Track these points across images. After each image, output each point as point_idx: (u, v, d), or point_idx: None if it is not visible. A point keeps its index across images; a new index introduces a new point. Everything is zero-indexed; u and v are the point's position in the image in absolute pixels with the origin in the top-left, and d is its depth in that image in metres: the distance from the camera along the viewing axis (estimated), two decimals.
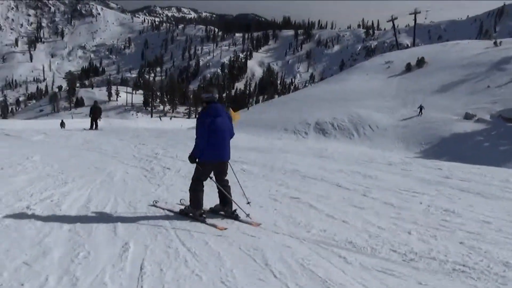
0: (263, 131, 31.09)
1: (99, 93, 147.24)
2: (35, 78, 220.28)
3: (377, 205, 6.11)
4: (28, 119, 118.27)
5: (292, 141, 27.65)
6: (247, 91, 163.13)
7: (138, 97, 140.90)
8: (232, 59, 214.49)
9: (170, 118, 77.43)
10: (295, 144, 23.70)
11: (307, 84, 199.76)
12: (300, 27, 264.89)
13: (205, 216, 5.00)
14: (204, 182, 5.09)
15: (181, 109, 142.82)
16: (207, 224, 4.86)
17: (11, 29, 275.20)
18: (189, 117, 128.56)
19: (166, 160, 9.88)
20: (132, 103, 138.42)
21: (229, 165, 5.20)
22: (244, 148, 13.81)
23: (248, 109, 51.33)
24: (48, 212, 5.26)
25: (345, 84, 45.74)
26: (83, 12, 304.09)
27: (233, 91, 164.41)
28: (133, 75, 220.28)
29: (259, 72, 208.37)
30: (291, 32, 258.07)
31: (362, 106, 34.40)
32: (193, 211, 5.01)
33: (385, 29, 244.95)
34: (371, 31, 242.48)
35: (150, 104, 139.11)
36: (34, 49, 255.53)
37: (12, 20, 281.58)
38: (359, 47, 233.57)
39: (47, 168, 8.19)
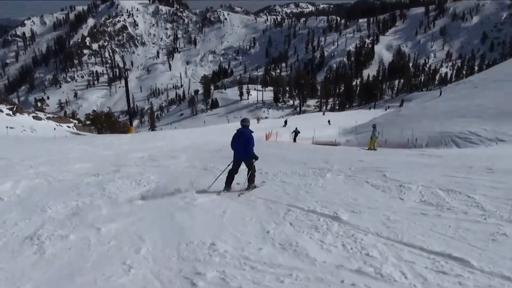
0: (490, 123, 24.77)
1: (231, 94, 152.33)
2: (174, 85, 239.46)
3: None
4: (181, 125, 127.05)
5: None
6: (380, 77, 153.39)
7: (267, 94, 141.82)
8: (358, 46, 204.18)
9: (323, 114, 72.34)
10: None
11: (443, 64, 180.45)
12: (431, 2, 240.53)
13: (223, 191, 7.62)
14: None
15: (312, 102, 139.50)
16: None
17: (153, 43, 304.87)
18: (320, 110, 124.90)
19: None
20: (262, 100, 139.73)
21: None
22: None
23: (440, 94, 44.44)
24: None
25: None
26: (212, 19, 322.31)
27: (361, 79, 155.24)
28: (260, 73, 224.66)
29: (387, 56, 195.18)
30: (420, 9, 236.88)
31: None
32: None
33: None
34: None
35: (281, 100, 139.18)
36: (172, 59, 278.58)
37: (154, 35, 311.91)
38: (504, 15, 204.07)
39: None
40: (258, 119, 61.70)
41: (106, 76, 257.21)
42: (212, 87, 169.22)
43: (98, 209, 6.17)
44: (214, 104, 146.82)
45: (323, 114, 73.43)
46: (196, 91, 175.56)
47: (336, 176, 8.57)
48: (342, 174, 8.69)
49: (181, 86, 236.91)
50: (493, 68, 53.34)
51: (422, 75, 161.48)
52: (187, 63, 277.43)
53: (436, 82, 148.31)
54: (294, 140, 30.58)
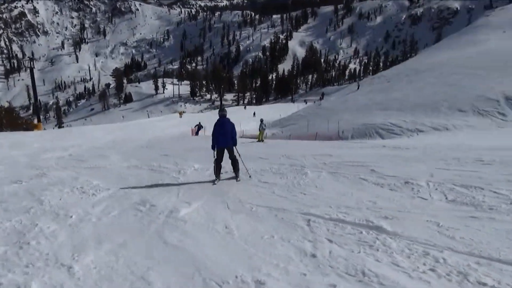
0: (421, 115, 25.75)
1: (146, 87, 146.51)
2: (82, 78, 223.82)
3: None
4: (87, 119, 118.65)
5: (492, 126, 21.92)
6: (294, 72, 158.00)
7: (183, 88, 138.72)
8: (273, 41, 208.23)
9: (245, 107, 71.82)
10: None
11: (351, 60, 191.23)
12: (340, 1, 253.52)
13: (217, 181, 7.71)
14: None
15: (229, 96, 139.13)
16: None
17: (57, 32, 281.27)
18: (238, 104, 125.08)
19: None
20: (179, 94, 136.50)
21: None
22: None
23: (358, 88, 45.62)
24: None
25: (486, 45, 39.27)
26: (123, 9, 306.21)
27: (275, 74, 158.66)
28: (175, 67, 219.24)
29: (300, 52, 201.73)
30: (330, 8, 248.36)
31: None
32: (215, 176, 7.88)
33: None
34: None
35: (198, 94, 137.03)
36: (79, 50, 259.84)
37: (57, 24, 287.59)
38: (404, 16, 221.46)
39: None
40: (180, 113, 59.80)
41: (2, 68, 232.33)
42: (125, 81, 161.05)
43: (50, 233, 4.45)
44: (128, 99, 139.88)
45: (245, 108, 73.27)
46: (108, 85, 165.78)
47: (318, 172, 7.60)
48: (324, 171, 7.75)
49: (90, 79, 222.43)
50: (403, 64, 56.70)
51: (333, 70, 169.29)
52: (96, 55, 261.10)
53: (346, 77, 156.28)
54: (197, 133, 30.03)
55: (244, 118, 47.78)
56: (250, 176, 7.88)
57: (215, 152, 7.85)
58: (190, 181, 7.65)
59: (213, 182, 7.46)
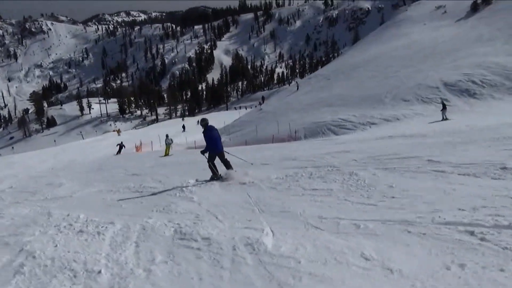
0: (368, 108, 25.80)
1: (70, 109, 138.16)
2: None
3: None
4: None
5: (437, 112, 22.23)
6: (224, 81, 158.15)
7: (111, 106, 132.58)
8: (198, 51, 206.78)
9: (183, 119, 70.13)
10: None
11: (277, 65, 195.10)
12: (258, 8, 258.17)
13: (221, 176, 8.56)
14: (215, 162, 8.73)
15: (160, 110, 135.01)
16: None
17: None
18: (170, 117, 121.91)
19: None
20: (107, 113, 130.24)
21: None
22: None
23: (298, 88, 45.48)
24: None
25: (410, 37, 40.76)
26: (33, 30, 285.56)
27: (204, 84, 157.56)
28: (99, 85, 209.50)
29: (227, 60, 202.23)
30: (250, 15, 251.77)
31: (487, 53, 29.09)
32: (214, 176, 8.66)
33: None
34: (329, 1, 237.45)
35: (127, 111, 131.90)
36: None
37: None
38: (321, 19, 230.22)
39: None
40: (118, 131, 56.79)
41: None
42: (45, 104, 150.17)
43: None
44: (51, 123, 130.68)
45: (183, 119, 71.56)
46: (26, 110, 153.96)
47: (366, 171, 6.43)
48: (370, 168, 6.60)
49: (5, 106, 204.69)
50: (336, 61, 57.99)
51: (261, 75, 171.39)
52: (9, 79, 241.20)
53: (275, 81, 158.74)
54: (119, 152, 28.60)
55: (192, 127, 46.86)
56: (252, 164, 9.33)
57: (207, 155, 8.75)
58: (209, 199, 6.16)
59: (220, 179, 8.27)
